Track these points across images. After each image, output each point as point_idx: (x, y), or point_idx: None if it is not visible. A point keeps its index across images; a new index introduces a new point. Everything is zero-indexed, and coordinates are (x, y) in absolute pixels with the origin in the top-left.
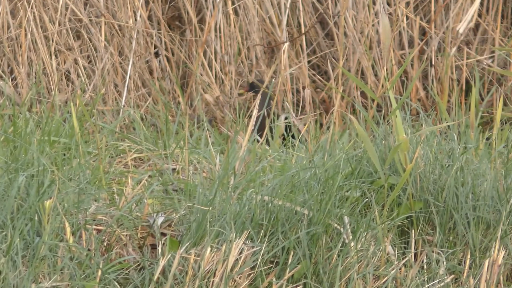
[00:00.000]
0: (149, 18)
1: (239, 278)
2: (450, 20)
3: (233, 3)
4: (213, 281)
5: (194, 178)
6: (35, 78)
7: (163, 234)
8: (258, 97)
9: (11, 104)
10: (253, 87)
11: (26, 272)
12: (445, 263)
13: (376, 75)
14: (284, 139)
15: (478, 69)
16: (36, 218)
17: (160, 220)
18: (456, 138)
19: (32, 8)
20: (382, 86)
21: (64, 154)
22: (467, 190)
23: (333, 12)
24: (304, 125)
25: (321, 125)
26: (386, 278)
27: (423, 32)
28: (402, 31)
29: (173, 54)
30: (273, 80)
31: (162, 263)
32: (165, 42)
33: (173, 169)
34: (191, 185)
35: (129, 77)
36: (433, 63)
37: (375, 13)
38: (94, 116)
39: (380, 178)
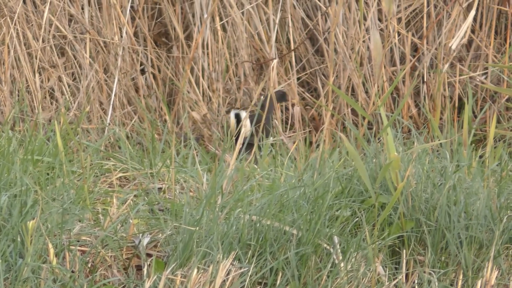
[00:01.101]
0: (135, 34)
1: None
2: (443, 36)
3: (221, 19)
4: None
5: (181, 197)
6: (18, 96)
7: (149, 255)
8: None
9: None
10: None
11: None
12: (437, 283)
13: (367, 92)
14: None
15: (471, 85)
16: (19, 239)
17: (145, 240)
18: (448, 156)
19: (15, 24)
20: (373, 103)
21: (48, 174)
22: (460, 209)
23: (323, 28)
24: (294, 143)
25: (311, 143)
26: None
27: (415, 49)
28: (393, 47)
29: (159, 71)
30: (262, 97)
31: (147, 284)
32: (151, 59)
33: (159, 189)
34: (177, 205)
35: (115, 95)
36: (425, 79)
37: (366, 29)
38: (79, 134)
39: (371, 197)
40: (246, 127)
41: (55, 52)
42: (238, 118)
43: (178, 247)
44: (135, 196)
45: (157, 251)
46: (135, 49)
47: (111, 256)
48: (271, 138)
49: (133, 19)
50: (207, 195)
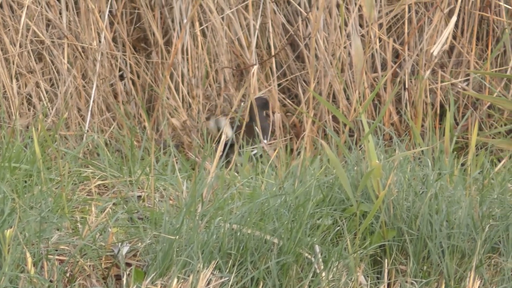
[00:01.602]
0: (114, 39)
1: None
2: (424, 42)
3: (200, 25)
4: None
5: (160, 205)
6: None
7: (128, 265)
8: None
9: None
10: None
11: None
12: None
13: (348, 98)
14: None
15: (453, 92)
16: None
17: (125, 249)
18: (430, 164)
19: None
20: (355, 110)
21: (25, 181)
22: (442, 218)
23: (304, 34)
24: (274, 150)
25: (292, 150)
26: None
27: (396, 55)
28: (375, 54)
29: (138, 77)
30: (242, 104)
31: None
32: (130, 65)
33: (139, 197)
34: (157, 213)
35: (93, 101)
36: (406, 86)
37: (347, 35)
38: (57, 141)
39: (352, 205)
40: (227, 133)
41: (32, 58)
42: (218, 125)
43: (157, 256)
44: (114, 204)
45: (137, 260)
46: (114, 54)
47: (89, 265)
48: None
49: (111, 24)
50: (187, 203)
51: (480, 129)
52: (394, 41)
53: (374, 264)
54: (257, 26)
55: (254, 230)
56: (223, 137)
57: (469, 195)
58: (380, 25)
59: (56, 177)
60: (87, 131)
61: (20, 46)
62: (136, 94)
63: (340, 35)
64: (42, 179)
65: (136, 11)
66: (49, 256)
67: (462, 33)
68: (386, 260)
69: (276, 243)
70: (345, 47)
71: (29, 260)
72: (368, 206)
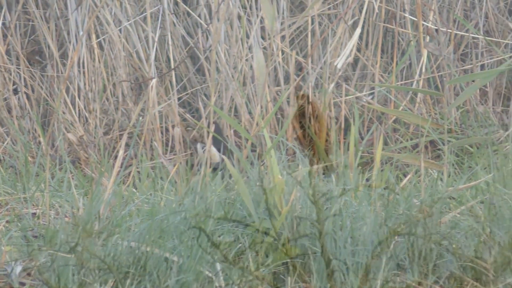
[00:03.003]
0: (7, 52)
1: None
2: (328, 54)
3: (97, 37)
4: None
5: (56, 223)
6: None
7: (22, 284)
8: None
9: None
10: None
11: None
12: None
13: (250, 112)
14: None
15: (358, 106)
16: None
17: (18, 269)
18: (334, 180)
19: None
20: (257, 124)
21: None
22: (346, 234)
23: (204, 46)
24: (174, 166)
25: (192, 165)
26: None
27: (299, 68)
28: (277, 66)
29: (33, 91)
30: (141, 118)
31: None
32: (24, 78)
33: (33, 214)
34: (52, 231)
35: None
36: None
37: (249, 47)
38: None
39: (255, 222)
40: (215, 157)
41: None
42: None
43: (53, 275)
44: (7, 222)
45: (31, 280)
46: (7, 68)
47: None
48: None
49: (4, 36)
50: (83, 221)
51: (385, 143)
52: (297, 53)
53: (276, 282)
54: (156, 39)
55: (153, 248)
56: (121, 152)
57: (374, 211)
58: (283, 37)
59: None
60: None
61: None
62: (30, 109)
63: (242, 47)
64: None
65: (31, 23)
66: None
67: (366, 45)
68: (289, 277)
69: (176, 261)
70: (247, 60)
71: None
72: (271, 222)
